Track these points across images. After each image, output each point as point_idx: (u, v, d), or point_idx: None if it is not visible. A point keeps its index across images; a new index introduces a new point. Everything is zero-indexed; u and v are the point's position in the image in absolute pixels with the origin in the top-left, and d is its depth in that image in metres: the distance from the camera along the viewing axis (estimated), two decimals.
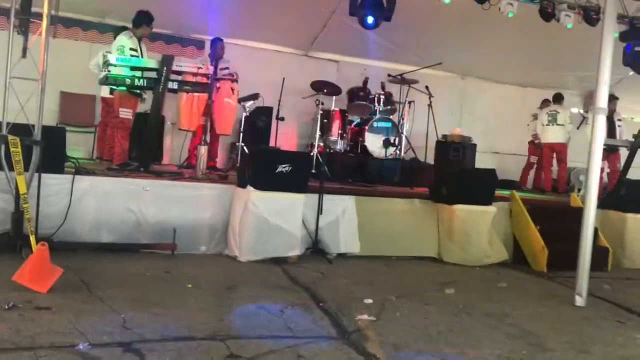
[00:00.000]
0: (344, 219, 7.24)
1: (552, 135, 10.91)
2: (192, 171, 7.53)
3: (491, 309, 5.46)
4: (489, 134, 11.98)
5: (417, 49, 10.26)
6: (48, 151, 5.81)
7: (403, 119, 9.86)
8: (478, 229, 7.52)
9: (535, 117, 11.36)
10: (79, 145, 8.77)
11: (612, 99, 10.66)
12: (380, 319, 4.80)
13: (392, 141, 9.41)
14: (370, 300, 5.27)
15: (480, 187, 7.71)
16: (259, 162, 6.78)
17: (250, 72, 9.37)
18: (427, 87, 9.74)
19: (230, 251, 6.68)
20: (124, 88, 7.35)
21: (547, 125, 10.91)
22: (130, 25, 7.92)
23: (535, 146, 11.33)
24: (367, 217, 7.37)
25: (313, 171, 8.07)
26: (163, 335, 3.95)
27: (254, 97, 8.82)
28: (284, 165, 6.62)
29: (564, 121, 10.86)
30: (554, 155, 10.97)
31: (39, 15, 5.80)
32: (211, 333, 4.08)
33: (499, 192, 8.06)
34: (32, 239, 5.17)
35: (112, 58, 6.97)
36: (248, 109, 8.76)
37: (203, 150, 7.46)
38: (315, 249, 6.95)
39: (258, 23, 9.67)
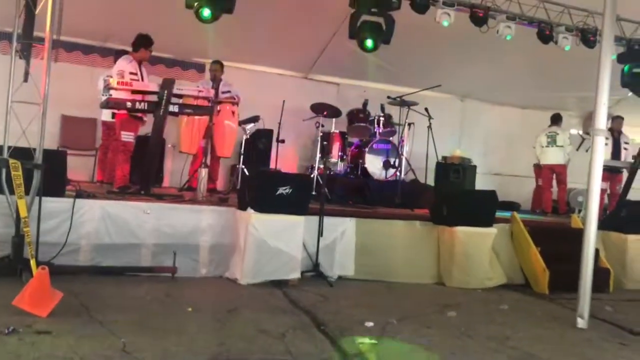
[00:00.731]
0: (341, 241, 7.22)
1: (551, 156, 10.96)
2: (193, 194, 7.54)
3: (493, 331, 5.43)
4: (489, 155, 12.03)
5: (416, 71, 10.33)
6: (49, 174, 5.82)
7: (403, 141, 9.89)
8: (479, 251, 7.50)
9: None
10: (79, 168, 8.79)
11: (617, 118, 10.73)
12: (382, 342, 4.77)
13: (392, 163, 9.44)
14: (371, 324, 5.24)
15: (481, 208, 7.71)
16: (259, 184, 6.79)
17: (251, 95, 9.43)
18: (426, 109, 9.79)
19: (231, 274, 6.65)
20: (125, 112, 7.39)
21: (547, 146, 10.97)
22: (130, 49, 8.00)
23: (539, 168, 11.33)
24: (368, 239, 7.36)
25: (313, 193, 8.08)
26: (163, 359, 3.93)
27: (255, 119, 8.87)
28: (284, 188, 6.63)
29: (564, 142, 10.91)
30: (554, 177, 10.99)
31: (41, 40, 5.85)
32: (212, 357, 4.06)
33: (499, 214, 8.05)
34: (33, 262, 5.17)
35: (113, 82, 7.03)
36: (248, 131, 8.81)
37: (204, 172, 7.48)
38: (316, 271, 6.93)
39: (258, 46, 9.75)
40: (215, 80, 8.81)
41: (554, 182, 11.06)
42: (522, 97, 11.97)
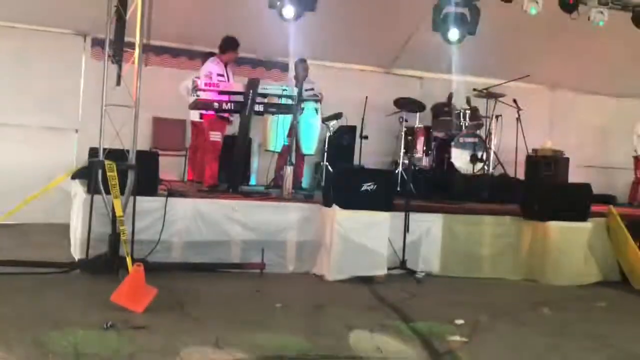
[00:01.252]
0: (427, 237, 7.14)
1: None
2: (279, 191, 7.62)
3: (590, 330, 5.21)
4: (582, 147, 11.51)
5: (503, 62, 10.03)
6: (142, 175, 6.01)
7: (490, 134, 9.63)
8: (573, 247, 7.22)
9: None
10: (170, 168, 9.06)
11: None
12: (473, 341, 4.66)
13: (479, 157, 9.20)
14: (461, 321, 5.12)
15: (575, 202, 7.41)
16: (343, 181, 6.79)
17: (333, 92, 9.44)
18: (514, 101, 9.50)
19: (318, 270, 6.69)
20: (213, 112, 7.56)
21: None
22: (217, 51, 8.17)
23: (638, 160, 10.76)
24: (455, 236, 7.23)
25: (398, 189, 8.01)
26: (255, 354, 3.97)
27: (337, 116, 8.86)
28: (368, 184, 6.60)
29: None
30: None
31: (132, 45, 6.05)
32: (301, 353, 4.08)
33: (594, 208, 7.71)
34: (129, 260, 5.36)
35: (200, 83, 7.21)
36: (332, 128, 8.81)
37: (289, 170, 7.55)
38: (402, 268, 6.86)
39: (339, 43, 9.74)
40: (299, 79, 8.87)
41: None
42: (617, 85, 11.38)
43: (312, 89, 8.87)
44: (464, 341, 4.62)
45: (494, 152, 9.66)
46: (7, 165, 8.55)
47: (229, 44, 8.03)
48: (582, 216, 7.39)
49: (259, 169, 9.77)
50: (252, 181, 9.63)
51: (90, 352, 3.76)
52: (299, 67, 8.95)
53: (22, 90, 8.83)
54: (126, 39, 6.12)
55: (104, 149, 5.98)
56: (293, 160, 7.92)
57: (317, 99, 8.70)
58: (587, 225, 7.38)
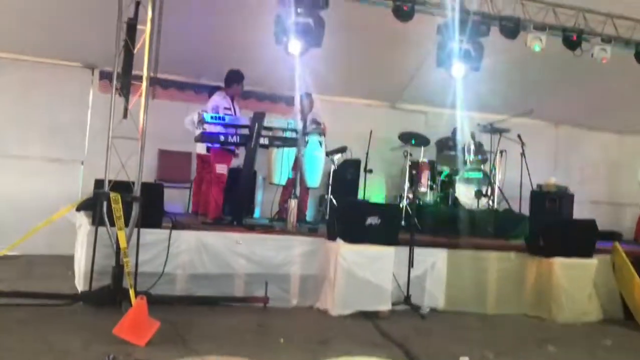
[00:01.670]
0: (432, 272, 7.11)
1: None
2: (283, 224, 7.62)
3: None
4: (586, 183, 11.52)
5: (507, 98, 10.08)
6: (147, 207, 6.02)
7: (495, 169, 9.64)
8: (579, 283, 7.18)
9: None
10: (175, 200, 9.07)
11: None
12: None
13: (484, 192, 9.21)
14: (466, 358, 5.08)
15: (580, 238, 7.39)
16: (347, 214, 6.79)
17: (338, 126, 9.46)
18: (519, 136, 9.52)
19: (321, 304, 6.65)
20: (218, 145, 7.60)
21: None
22: (223, 85, 8.26)
23: None
24: (459, 271, 7.20)
25: (403, 223, 7.99)
26: None
27: (342, 150, 8.89)
28: (373, 218, 6.60)
29: None
30: None
31: (139, 78, 6.11)
32: None
33: (599, 245, 7.67)
34: (132, 292, 5.34)
35: (207, 116, 7.27)
36: (336, 161, 8.83)
37: (293, 203, 7.55)
38: (407, 303, 6.81)
39: (345, 78, 9.81)
40: (304, 112, 8.93)
41: None
42: (621, 121, 11.44)
43: (319, 123, 8.92)
44: None
45: (499, 187, 9.65)
46: (12, 196, 8.58)
47: (233, 78, 8.13)
48: (587, 252, 7.36)
49: (264, 202, 9.78)
50: (257, 214, 9.63)
51: None
52: (304, 100, 9.01)
53: (29, 121, 8.92)
54: (134, 72, 6.17)
55: (110, 181, 6.00)
56: (297, 193, 7.94)
57: (321, 132, 8.73)
58: (593, 261, 7.34)
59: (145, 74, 6.08)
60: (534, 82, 9.74)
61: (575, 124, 11.72)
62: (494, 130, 9.52)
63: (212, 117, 7.34)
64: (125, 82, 6.15)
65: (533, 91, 9.94)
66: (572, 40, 7.92)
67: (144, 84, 6.08)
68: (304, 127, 8.49)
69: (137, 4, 6.10)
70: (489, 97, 10.13)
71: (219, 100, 8.00)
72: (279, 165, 8.35)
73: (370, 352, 5.09)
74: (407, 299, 6.80)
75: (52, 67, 9.08)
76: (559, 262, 7.15)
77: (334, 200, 8.50)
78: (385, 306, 6.56)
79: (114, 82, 6.15)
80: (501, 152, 9.66)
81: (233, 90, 8.17)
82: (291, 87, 9.50)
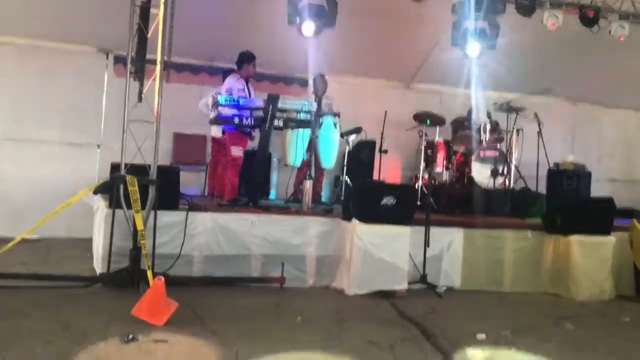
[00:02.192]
0: (448, 252, 7.10)
1: None
2: (299, 205, 7.63)
3: (615, 345, 5.13)
4: (604, 160, 11.44)
5: (523, 76, 9.97)
6: (163, 189, 6.05)
7: (511, 148, 9.57)
8: (596, 261, 7.14)
9: None
10: (191, 183, 9.12)
11: None
12: (495, 356, 4.61)
13: (500, 171, 9.16)
14: (483, 336, 5.08)
15: (598, 216, 7.33)
16: (363, 195, 6.78)
17: (353, 107, 9.44)
18: (535, 114, 9.43)
19: (338, 284, 6.67)
20: (233, 127, 7.61)
21: None
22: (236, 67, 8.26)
23: None
24: (477, 250, 7.19)
25: (418, 203, 7.97)
26: None
27: (357, 131, 8.86)
28: (388, 198, 6.59)
29: None
30: None
31: (153, 62, 6.11)
32: None
33: (617, 222, 7.62)
34: (149, 273, 5.39)
35: (221, 99, 7.27)
36: (351, 142, 8.81)
37: (308, 184, 7.55)
38: (423, 282, 6.81)
39: (359, 58, 9.77)
40: (318, 94, 8.91)
41: None
42: (639, 98, 11.30)
43: (331, 104, 8.89)
44: (486, 356, 4.57)
45: (515, 166, 9.59)
46: (30, 180, 8.69)
47: (245, 58, 8.12)
48: (605, 230, 7.31)
49: (279, 184, 9.80)
50: (272, 195, 9.65)
51: None
52: (318, 81, 8.99)
53: (46, 106, 8.99)
54: (148, 56, 6.18)
55: (126, 164, 6.04)
56: (312, 174, 7.94)
57: (336, 113, 8.72)
58: (611, 239, 7.29)
59: (159, 57, 6.08)
60: (550, 60, 9.63)
61: (593, 102, 11.58)
62: (510, 109, 9.43)
63: (226, 100, 7.34)
64: (140, 66, 6.17)
65: (550, 69, 9.82)
66: (590, 17, 7.83)
67: (158, 67, 6.08)
68: (318, 108, 8.48)
69: None
70: (505, 75, 10.03)
71: (232, 82, 8.00)
72: (293, 146, 8.34)
73: (386, 331, 5.11)
74: (423, 278, 6.80)
75: (67, 53, 9.12)
76: (576, 240, 7.11)
77: (349, 181, 8.49)
78: (401, 285, 6.56)
79: (129, 66, 6.17)
80: (517, 130, 9.58)
81: (246, 72, 8.16)
82: (304, 69, 9.49)
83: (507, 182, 9.15)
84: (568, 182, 9.01)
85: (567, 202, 7.89)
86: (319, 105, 8.76)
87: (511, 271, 7.25)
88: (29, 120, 8.93)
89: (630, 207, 10.34)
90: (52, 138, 9.01)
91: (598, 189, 9.76)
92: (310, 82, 9.33)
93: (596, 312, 6.52)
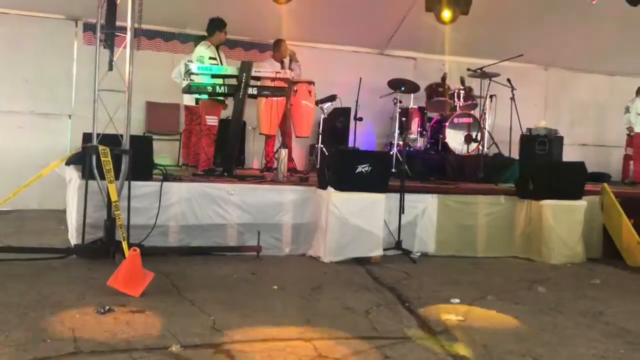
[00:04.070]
0: (422, 218, 7.16)
1: None
2: (274, 174, 7.63)
3: (585, 306, 5.25)
4: (576, 125, 11.60)
5: (496, 42, 10.02)
6: (136, 159, 5.99)
7: (485, 114, 9.64)
8: (568, 225, 7.26)
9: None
10: (164, 152, 9.06)
11: None
12: (468, 319, 4.70)
13: (474, 137, 9.24)
14: (457, 300, 5.18)
15: (570, 181, 7.44)
16: (338, 163, 6.79)
17: (327, 74, 9.42)
18: (508, 80, 9.48)
19: (314, 252, 6.72)
20: (206, 96, 7.54)
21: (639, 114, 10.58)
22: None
23: (630, 137, 10.88)
24: (451, 216, 7.26)
25: (393, 170, 8.02)
26: (251, 337, 4.00)
27: (332, 98, 8.84)
28: (363, 166, 6.60)
29: None
30: None
31: (123, 29, 6.00)
32: (298, 334, 4.11)
33: (588, 186, 7.74)
34: (125, 244, 5.37)
35: (193, 67, 7.19)
36: (326, 110, 8.79)
37: (284, 153, 7.54)
38: (398, 248, 6.88)
39: (333, 25, 9.71)
40: (277, 60, 8.86)
41: None
42: (610, 63, 11.41)
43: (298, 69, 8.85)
44: (460, 320, 4.66)
45: (489, 132, 9.67)
46: (1, 151, 8.54)
47: (215, 25, 7.98)
48: (577, 194, 7.42)
49: (254, 152, 9.78)
50: (247, 164, 9.63)
51: (88, 336, 3.78)
52: (275, 47, 8.94)
53: (14, 76, 8.83)
54: (118, 23, 6.06)
55: (98, 134, 5.97)
56: (287, 143, 7.93)
57: (311, 82, 8.67)
58: (582, 203, 7.41)
59: (129, 24, 5.96)
60: (523, 26, 9.67)
61: (566, 67, 11.68)
62: (483, 74, 9.47)
63: (198, 68, 7.25)
64: (110, 34, 6.04)
65: (523, 35, 9.86)
66: None
67: (129, 34, 5.97)
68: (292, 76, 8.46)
69: None
70: (479, 41, 10.08)
71: (203, 50, 7.87)
72: (268, 115, 8.32)
73: (362, 297, 5.18)
74: (398, 244, 6.87)
75: (35, 20, 8.95)
76: (548, 204, 7.21)
77: (324, 149, 8.51)
78: (377, 252, 6.63)
79: (98, 33, 6.05)
80: (491, 96, 9.64)
81: (217, 39, 8.03)
82: (277, 35, 9.41)
83: (480, 148, 9.23)
84: (540, 147, 9.11)
85: (540, 167, 7.99)
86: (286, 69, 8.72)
87: (484, 236, 7.35)
88: None
89: (601, 171, 10.54)
90: (21, 109, 8.87)
91: (570, 154, 9.91)
92: (275, 49, 9.21)
93: (568, 275, 6.65)
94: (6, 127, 8.74)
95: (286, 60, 8.93)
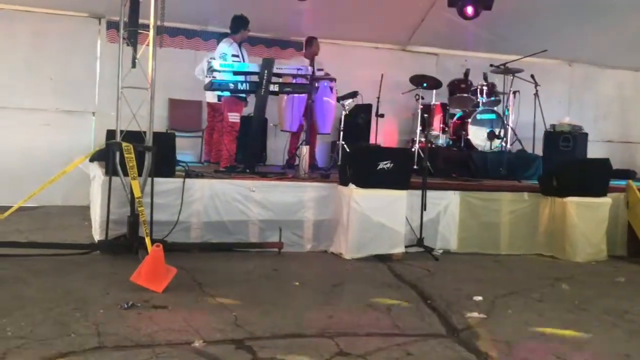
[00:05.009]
0: (444, 215, 7.13)
1: None
2: (295, 171, 7.63)
3: (609, 304, 5.18)
4: (601, 121, 11.45)
5: (520, 37, 9.90)
6: (159, 156, 6.02)
7: (508, 110, 9.54)
8: (592, 222, 7.17)
9: None
10: (187, 149, 9.11)
11: None
12: (491, 317, 4.66)
13: (497, 133, 9.16)
14: (479, 298, 5.13)
15: (594, 178, 7.34)
16: (360, 159, 6.78)
17: (349, 71, 9.40)
18: (532, 76, 9.38)
19: (335, 249, 6.71)
20: (228, 93, 7.56)
21: None
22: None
23: None
24: (473, 213, 7.22)
25: (415, 167, 7.98)
26: (273, 333, 4.01)
27: (353, 95, 8.82)
28: (385, 162, 6.58)
29: None
30: None
31: (146, 27, 6.03)
32: (320, 330, 4.11)
33: (613, 183, 7.64)
34: (148, 240, 5.40)
35: (215, 64, 7.22)
36: (347, 107, 8.77)
37: (305, 150, 7.54)
38: (420, 246, 6.85)
39: (354, 21, 9.67)
40: (308, 58, 8.85)
41: None
42: (635, 58, 11.23)
43: (322, 70, 8.83)
44: (483, 317, 4.62)
45: (512, 129, 9.58)
46: (25, 148, 8.66)
47: (239, 23, 8.02)
48: (601, 191, 7.32)
49: (275, 149, 9.79)
50: (269, 161, 9.65)
51: (111, 331, 3.81)
52: (308, 45, 8.91)
53: (39, 74, 8.93)
54: (141, 20, 6.10)
55: (121, 131, 6.01)
56: (309, 139, 7.92)
57: (332, 78, 8.66)
58: (607, 200, 7.31)
59: (152, 22, 6.00)
60: (547, 21, 9.54)
61: (590, 62, 11.52)
62: (507, 70, 9.38)
63: (220, 65, 7.28)
64: (133, 31, 6.08)
65: (546, 30, 9.74)
66: None
67: (151, 32, 6.01)
68: (313, 72, 8.43)
69: None
70: (502, 37, 9.98)
71: (225, 47, 7.90)
72: (289, 111, 8.32)
73: (384, 294, 5.16)
74: (420, 242, 6.84)
75: (59, 19, 9.04)
76: (572, 201, 7.12)
77: (345, 146, 8.49)
78: (398, 249, 6.60)
79: (121, 31, 6.10)
80: (514, 92, 9.55)
81: (240, 36, 8.07)
82: (299, 32, 9.41)
83: (503, 145, 9.15)
84: (564, 143, 9.00)
85: (564, 164, 7.90)
86: (313, 68, 8.71)
87: (507, 233, 7.29)
88: (22, 88, 8.87)
89: (626, 168, 10.39)
90: (46, 106, 8.96)
91: (594, 151, 9.77)
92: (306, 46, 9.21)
93: (591, 273, 6.57)
94: (32, 124, 8.84)
95: (317, 58, 8.92)
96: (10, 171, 8.45)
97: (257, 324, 4.14)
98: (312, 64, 7.99)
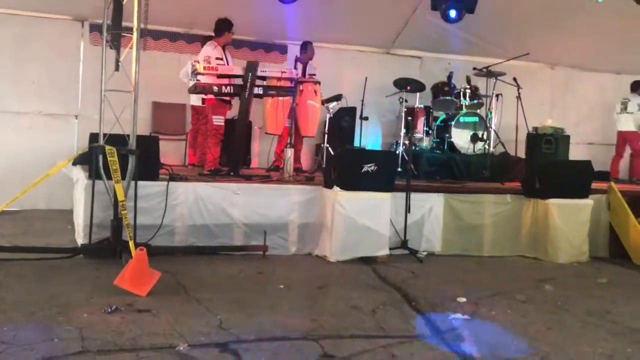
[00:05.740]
0: (429, 217, 7.16)
1: (622, 123, 10.99)
2: (280, 174, 7.63)
3: (592, 305, 5.24)
4: (582, 124, 11.57)
5: (502, 40, 10.00)
6: (143, 159, 5.99)
7: (491, 113, 9.62)
8: (575, 224, 7.24)
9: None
10: (171, 152, 9.07)
11: None
12: (475, 318, 4.70)
13: (480, 136, 9.23)
14: (464, 299, 5.17)
15: (576, 179, 7.41)
16: (344, 162, 6.79)
17: (333, 74, 9.42)
18: (514, 79, 9.46)
19: (320, 251, 6.72)
20: (212, 96, 7.56)
21: (620, 113, 10.98)
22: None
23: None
24: (457, 215, 7.26)
25: (399, 169, 8.01)
26: (258, 336, 4.01)
27: (337, 98, 8.84)
28: (369, 165, 6.60)
29: (633, 109, 10.76)
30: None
31: (130, 30, 6.01)
32: (305, 333, 4.12)
33: (595, 185, 7.72)
34: (131, 244, 5.38)
35: (199, 67, 7.20)
36: (332, 110, 8.79)
37: (289, 152, 7.55)
38: (404, 248, 6.88)
39: (338, 24, 9.71)
40: (304, 62, 8.88)
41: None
42: (617, 62, 11.37)
43: (314, 74, 8.86)
44: (467, 319, 4.65)
45: (495, 131, 9.65)
46: (7, 152, 8.59)
47: (223, 26, 8.02)
48: (583, 193, 7.40)
49: (260, 152, 9.79)
50: (253, 164, 9.64)
51: (95, 336, 3.79)
52: (304, 48, 8.95)
53: (22, 77, 8.87)
54: (124, 23, 6.07)
55: (104, 135, 5.97)
56: (293, 142, 7.93)
57: (316, 81, 8.68)
58: (589, 202, 7.39)
59: (135, 25, 5.97)
60: (529, 24, 9.63)
61: (572, 65, 11.64)
62: (489, 73, 9.45)
63: (204, 68, 7.27)
64: (116, 34, 6.05)
65: (529, 33, 9.84)
66: None
67: (135, 35, 5.98)
68: (304, 74, 8.49)
69: None
70: (485, 40, 10.06)
71: (209, 50, 7.90)
72: (274, 114, 8.32)
73: (368, 296, 5.18)
74: (404, 244, 6.86)
75: (42, 22, 8.97)
76: (555, 203, 7.19)
77: (330, 149, 8.50)
78: (383, 251, 6.62)
79: (104, 34, 6.05)
80: (497, 95, 9.63)
81: (224, 39, 8.07)
82: (284, 35, 9.42)
83: (486, 147, 9.22)
84: (547, 146, 9.09)
85: (546, 166, 7.97)
86: (305, 71, 8.76)
87: (491, 235, 7.34)
88: (4, 91, 8.79)
89: (607, 170, 10.53)
90: (28, 109, 8.89)
91: (576, 153, 9.87)
92: (290, 49, 9.22)
93: (574, 274, 6.64)
94: (15, 127, 8.76)
95: (311, 62, 8.96)
96: None
97: (241, 327, 4.14)
98: (305, 68, 8.01)
